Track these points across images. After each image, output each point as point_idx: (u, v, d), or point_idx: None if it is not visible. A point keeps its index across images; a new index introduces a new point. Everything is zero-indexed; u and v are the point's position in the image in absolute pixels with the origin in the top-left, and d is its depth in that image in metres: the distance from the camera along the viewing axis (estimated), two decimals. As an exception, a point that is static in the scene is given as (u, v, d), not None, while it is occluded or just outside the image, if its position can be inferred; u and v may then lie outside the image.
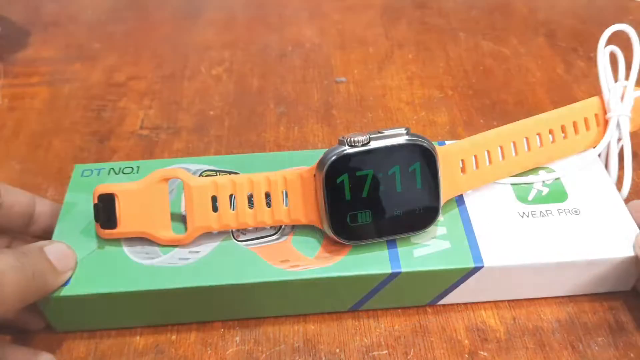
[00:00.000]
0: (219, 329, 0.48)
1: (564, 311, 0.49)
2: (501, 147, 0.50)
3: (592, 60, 0.74)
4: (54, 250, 0.44)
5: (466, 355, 0.46)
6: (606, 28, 0.78)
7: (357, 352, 0.47)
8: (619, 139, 0.54)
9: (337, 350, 0.47)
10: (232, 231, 0.48)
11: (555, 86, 0.71)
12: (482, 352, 0.46)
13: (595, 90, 0.67)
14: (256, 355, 0.46)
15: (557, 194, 0.51)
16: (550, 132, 0.52)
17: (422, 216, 0.46)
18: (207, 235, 0.48)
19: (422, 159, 0.44)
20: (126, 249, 0.47)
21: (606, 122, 0.54)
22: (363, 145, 0.43)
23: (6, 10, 0.87)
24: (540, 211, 0.49)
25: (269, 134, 0.65)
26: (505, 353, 0.46)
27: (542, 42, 0.78)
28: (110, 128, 0.67)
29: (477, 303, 0.49)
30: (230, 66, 0.76)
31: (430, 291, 0.48)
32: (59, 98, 0.71)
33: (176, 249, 0.47)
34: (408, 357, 0.46)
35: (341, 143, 0.44)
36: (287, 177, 0.46)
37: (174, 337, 0.48)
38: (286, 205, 0.46)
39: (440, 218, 0.48)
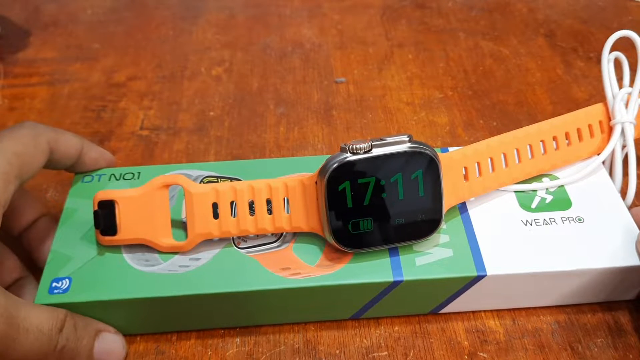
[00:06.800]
0: (220, 330, 0.48)
1: (563, 312, 0.49)
2: (504, 155, 0.50)
3: (592, 61, 0.74)
4: (106, 342, 0.46)
5: (466, 357, 0.46)
6: (606, 28, 0.78)
7: (357, 353, 0.47)
8: (624, 146, 0.53)
9: (337, 352, 0.47)
10: (233, 238, 0.48)
11: (555, 86, 0.71)
12: (481, 354, 0.46)
13: (594, 90, 0.68)
14: (256, 356, 0.47)
15: (560, 201, 0.50)
16: (554, 139, 0.52)
17: (425, 224, 0.46)
18: (208, 243, 0.47)
19: (424, 166, 0.44)
20: (126, 256, 0.47)
21: (610, 129, 0.54)
22: (365, 152, 0.43)
23: (6, 10, 0.87)
24: (544, 219, 0.49)
25: (269, 135, 0.65)
26: (504, 354, 0.46)
27: (542, 42, 0.78)
28: (110, 128, 0.67)
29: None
30: (230, 66, 0.76)
31: (432, 300, 0.48)
32: (58, 98, 0.71)
33: (176, 256, 0.47)
34: (408, 359, 0.46)
35: (343, 150, 0.44)
36: (289, 184, 0.46)
37: (174, 338, 0.48)
38: (287, 213, 0.46)
39: (443, 226, 0.48)
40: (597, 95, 0.69)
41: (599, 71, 0.72)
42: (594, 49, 0.76)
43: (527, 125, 0.52)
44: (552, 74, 0.73)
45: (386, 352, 0.47)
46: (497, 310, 0.49)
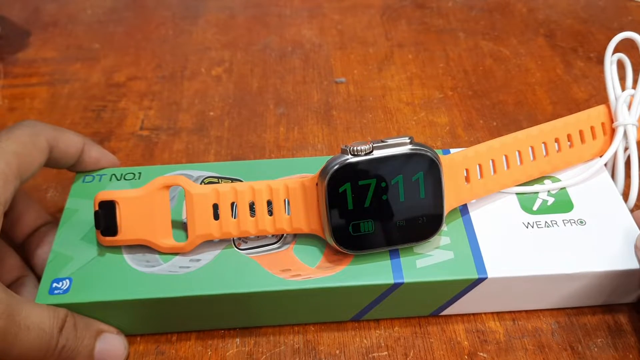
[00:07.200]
0: (220, 330, 0.49)
1: (563, 313, 0.49)
2: (506, 156, 0.50)
3: (591, 61, 0.74)
4: (108, 342, 0.46)
5: (466, 357, 0.46)
6: (606, 28, 0.78)
7: (357, 353, 0.47)
8: (626, 148, 0.53)
9: (337, 352, 0.47)
10: (233, 239, 0.48)
11: (554, 86, 0.71)
12: (481, 354, 0.46)
13: (594, 90, 0.68)
14: (256, 356, 0.47)
15: (562, 204, 0.50)
16: (556, 140, 0.52)
17: (426, 226, 0.46)
18: (208, 244, 0.47)
19: (425, 168, 0.44)
20: (127, 257, 0.47)
21: (613, 131, 0.54)
22: (366, 154, 0.43)
23: (6, 10, 0.87)
24: (545, 221, 0.49)
25: (269, 135, 0.65)
26: (504, 354, 0.46)
27: (542, 43, 0.78)
28: (110, 129, 0.67)
29: (477, 308, 0.49)
30: (230, 67, 0.76)
31: (433, 302, 0.47)
32: (59, 98, 0.71)
33: (177, 257, 0.47)
34: (408, 359, 0.46)
35: (344, 152, 0.44)
36: (289, 185, 0.46)
37: (174, 338, 0.48)
38: (288, 214, 0.46)
39: (444, 228, 0.48)
40: (597, 95, 0.69)
41: (599, 71, 0.72)
42: (594, 49, 0.76)
43: (527, 125, 0.52)
44: (552, 74, 0.73)
45: (386, 352, 0.47)
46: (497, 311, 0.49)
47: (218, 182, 0.52)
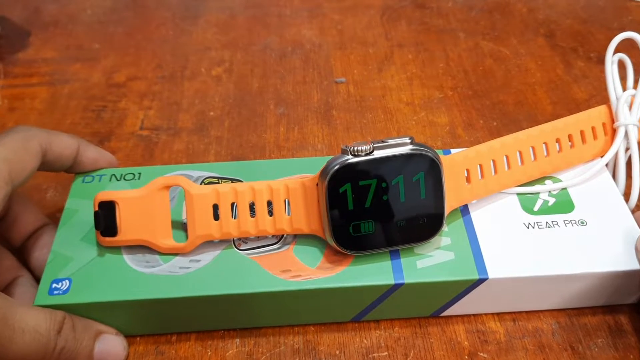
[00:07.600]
0: (219, 330, 0.48)
1: (564, 313, 0.49)
2: (507, 157, 0.50)
3: (591, 61, 0.74)
4: (107, 343, 0.45)
5: (466, 357, 0.46)
6: (606, 28, 0.78)
7: (357, 353, 0.47)
8: (627, 149, 0.53)
9: (337, 352, 0.47)
10: (233, 240, 0.48)
11: (554, 86, 0.71)
12: (482, 354, 0.46)
13: (595, 90, 0.68)
14: (256, 356, 0.47)
15: (563, 204, 0.50)
16: (557, 141, 0.52)
17: (426, 226, 0.46)
18: (208, 244, 0.47)
19: (426, 168, 0.44)
20: (126, 257, 0.47)
21: (614, 131, 0.53)
22: (366, 154, 0.43)
23: (6, 10, 0.86)
24: (546, 222, 0.49)
25: (269, 135, 0.65)
26: (505, 354, 0.46)
27: (542, 43, 0.78)
28: (110, 129, 0.67)
29: (478, 308, 0.49)
30: (230, 67, 0.76)
31: (434, 303, 0.47)
32: (59, 98, 0.71)
33: (177, 258, 0.47)
34: (408, 359, 0.46)
35: (344, 152, 0.44)
36: (290, 185, 0.46)
37: (174, 338, 0.48)
38: (288, 214, 0.46)
39: (445, 228, 0.48)
40: (597, 95, 0.69)
41: (599, 71, 0.72)
42: (594, 49, 0.76)
43: (527, 125, 0.52)
44: (552, 74, 0.73)
45: (386, 353, 0.47)
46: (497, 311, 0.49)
47: (218, 183, 0.52)
